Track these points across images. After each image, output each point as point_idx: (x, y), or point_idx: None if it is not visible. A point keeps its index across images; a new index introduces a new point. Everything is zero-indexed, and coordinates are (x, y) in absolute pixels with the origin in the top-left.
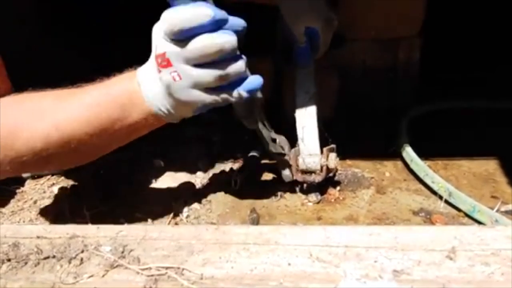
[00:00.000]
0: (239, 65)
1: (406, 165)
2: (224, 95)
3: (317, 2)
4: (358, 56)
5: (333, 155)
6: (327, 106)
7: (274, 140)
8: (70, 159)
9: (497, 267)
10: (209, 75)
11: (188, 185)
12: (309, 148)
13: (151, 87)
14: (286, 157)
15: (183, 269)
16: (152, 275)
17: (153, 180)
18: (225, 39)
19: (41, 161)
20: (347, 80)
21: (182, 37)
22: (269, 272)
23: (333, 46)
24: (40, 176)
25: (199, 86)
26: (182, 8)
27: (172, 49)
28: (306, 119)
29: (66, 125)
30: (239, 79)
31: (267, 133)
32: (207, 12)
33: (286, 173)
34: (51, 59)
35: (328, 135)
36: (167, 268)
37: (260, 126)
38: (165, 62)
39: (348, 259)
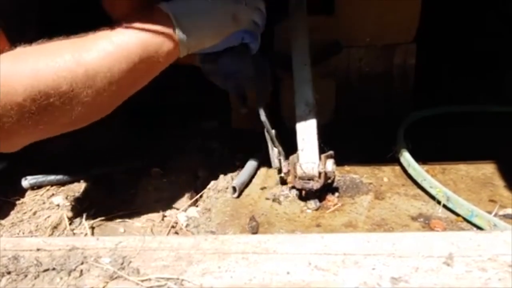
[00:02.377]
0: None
1: (404, 170)
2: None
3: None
4: (354, 62)
5: (331, 162)
6: (324, 112)
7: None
8: (97, 103)
9: (494, 272)
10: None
11: (187, 194)
12: (308, 156)
13: (185, 18)
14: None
15: (182, 279)
16: (151, 287)
17: (152, 189)
18: None
19: (67, 105)
20: (344, 86)
21: None
22: (268, 281)
23: (330, 53)
24: (39, 187)
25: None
26: None
27: None
28: (306, 130)
29: (89, 60)
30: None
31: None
32: None
33: (274, 159)
34: None
35: (324, 143)
36: (167, 279)
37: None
38: None
39: (346, 267)
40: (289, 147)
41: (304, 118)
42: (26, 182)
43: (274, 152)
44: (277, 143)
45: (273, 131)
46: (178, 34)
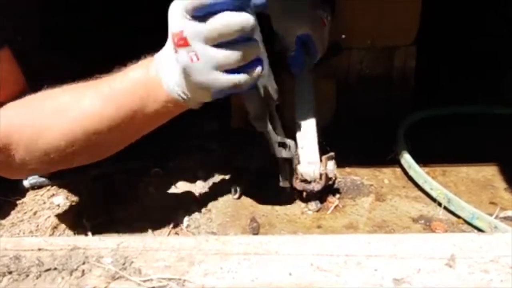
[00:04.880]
0: (257, 46)
1: (405, 172)
2: (243, 77)
3: (303, 6)
4: (354, 64)
5: (331, 163)
6: (325, 114)
7: (281, 145)
8: (97, 152)
9: (496, 274)
10: (228, 55)
11: (188, 195)
12: (308, 157)
13: (168, 71)
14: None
15: (184, 280)
16: (153, 287)
17: (153, 190)
18: (246, 18)
19: (68, 157)
20: (344, 87)
21: (202, 13)
22: (270, 282)
23: (330, 55)
24: (40, 187)
25: (217, 67)
26: None
27: (190, 27)
28: (306, 130)
29: (87, 121)
30: (257, 60)
31: (275, 137)
32: None
33: (284, 179)
34: (52, 70)
35: (326, 143)
36: (169, 279)
37: (269, 129)
38: (182, 41)
39: (348, 268)
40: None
41: (304, 119)
42: (26, 182)
43: (284, 178)
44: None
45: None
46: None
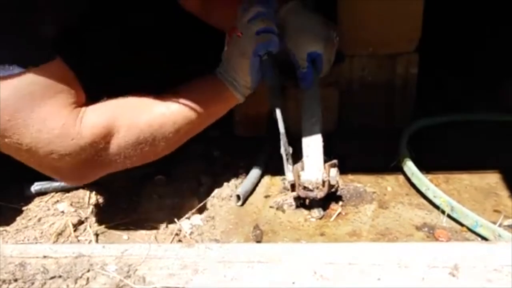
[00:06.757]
0: (271, 21)
1: (408, 179)
2: (267, 34)
3: (317, 26)
4: (357, 71)
5: (334, 170)
6: (328, 121)
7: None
8: (174, 143)
9: (499, 283)
10: (255, 21)
11: (191, 202)
12: (312, 165)
13: (224, 68)
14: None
15: None
16: None
17: (156, 197)
18: (263, 9)
19: (154, 150)
20: (347, 95)
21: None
22: None
23: (333, 62)
24: (44, 194)
25: (252, 33)
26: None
27: (238, 21)
28: (311, 140)
29: (175, 112)
30: (273, 32)
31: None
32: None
33: (289, 174)
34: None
35: (327, 152)
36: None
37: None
38: (232, 30)
39: (352, 276)
40: (292, 155)
41: (309, 127)
42: (31, 188)
43: (289, 168)
44: (291, 160)
45: (290, 148)
46: (237, 96)
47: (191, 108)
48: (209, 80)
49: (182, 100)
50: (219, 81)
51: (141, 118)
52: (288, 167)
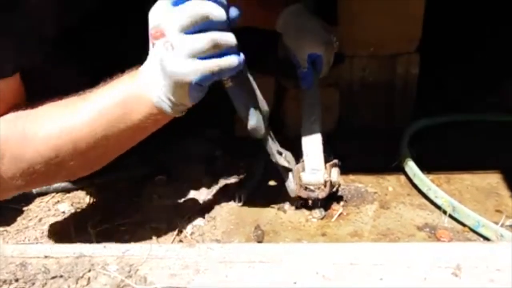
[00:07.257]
0: (230, 37)
1: (409, 179)
2: (216, 62)
3: (318, 28)
4: (357, 71)
5: (335, 170)
6: (329, 122)
7: (280, 153)
8: (81, 165)
9: (502, 283)
10: (199, 38)
11: (192, 202)
12: (313, 165)
13: (149, 74)
14: (291, 173)
15: None
16: None
17: (157, 197)
18: (214, 7)
19: (52, 169)
20: (347, 95)
21: (177, 5)
22: None
23: (333, 62)
24: (45, 194)
25: (191, 54)
26: None
27: (166, 18)
28: (311, 139)
29: (75, 130)
30: (233, 52)
31: (275, 145)
32: None
33: (291, 187)
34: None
35: (329, 151)
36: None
37: (268, 138)
38: (158, 33)
39: (353, 276)
40: (292, 156)
41: (309, 127)
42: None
43: (291, 186)
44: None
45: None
46: (160, 105)
47: (102, 127)
48: (132, 91)
49: (92, 117)
50: (145, 96)
51: (30, 145)
52: (289, 183)
